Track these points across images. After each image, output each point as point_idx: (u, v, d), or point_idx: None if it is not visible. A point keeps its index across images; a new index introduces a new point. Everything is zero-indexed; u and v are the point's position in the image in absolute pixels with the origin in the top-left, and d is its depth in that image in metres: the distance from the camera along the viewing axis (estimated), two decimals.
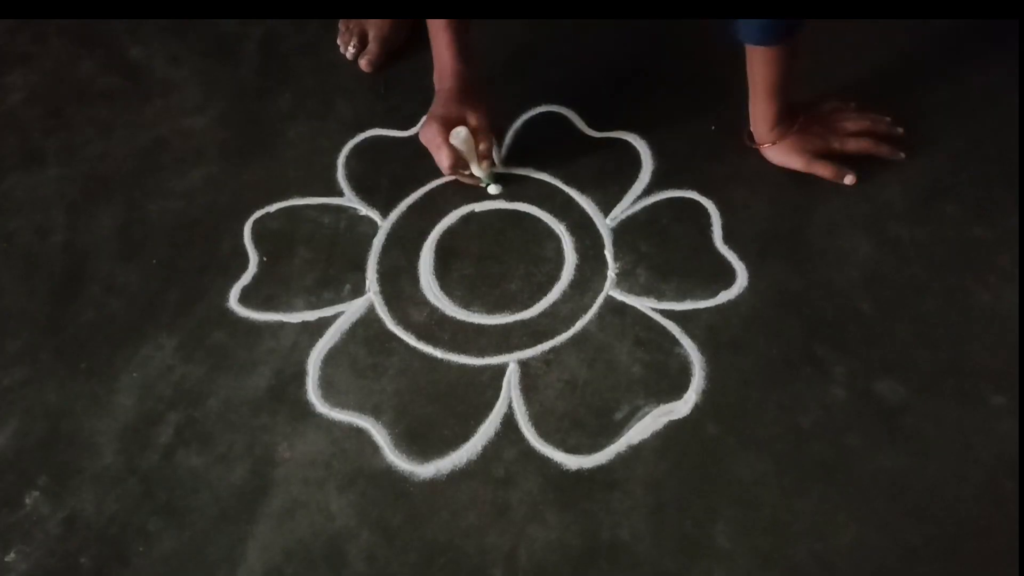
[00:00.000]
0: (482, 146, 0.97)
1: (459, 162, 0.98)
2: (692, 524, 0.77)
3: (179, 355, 0.92)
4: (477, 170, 0.99)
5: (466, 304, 0.94)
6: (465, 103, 0.97)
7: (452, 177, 1.02)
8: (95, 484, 0.84)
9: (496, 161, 1.03)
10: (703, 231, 0.97)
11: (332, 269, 0.98)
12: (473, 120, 0.96)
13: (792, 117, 0.98)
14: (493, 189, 1.01)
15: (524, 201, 1.02)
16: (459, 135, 0.95)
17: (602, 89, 1.13)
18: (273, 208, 1.04)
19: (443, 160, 0.97)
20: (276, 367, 0.90)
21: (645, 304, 0.92)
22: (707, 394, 0.85)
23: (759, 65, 0.94)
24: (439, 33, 0.98)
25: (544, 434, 0.84)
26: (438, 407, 0.86)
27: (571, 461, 0.82)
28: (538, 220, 1.00)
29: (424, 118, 1.00)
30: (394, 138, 1.10)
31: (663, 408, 0.84)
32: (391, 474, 0.82)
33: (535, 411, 0.85)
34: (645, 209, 1.00)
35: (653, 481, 0.80)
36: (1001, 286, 0.90)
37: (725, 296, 0.92)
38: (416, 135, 1.09)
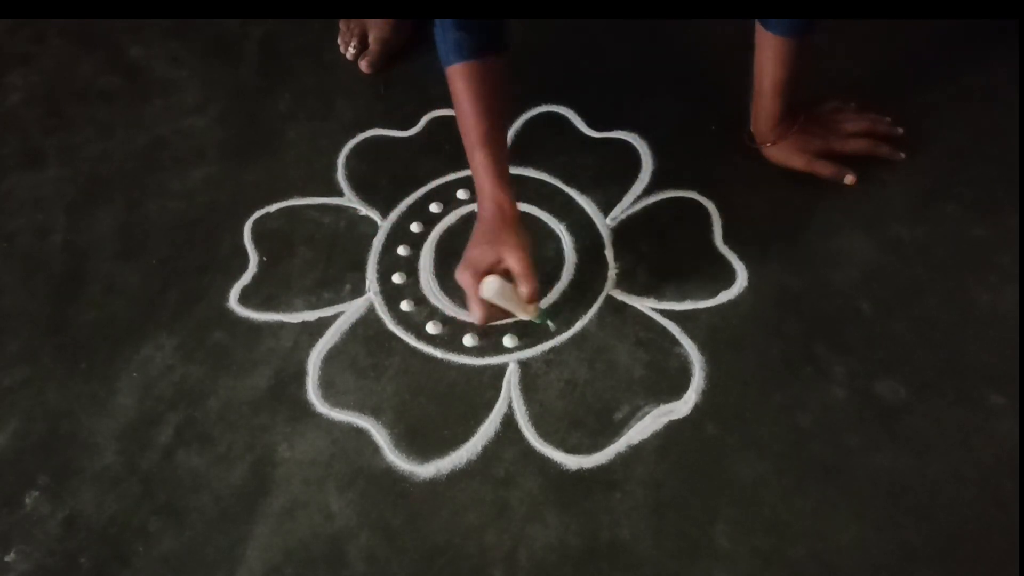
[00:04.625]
0: (523, 291, 0.83)
1: (495, 314, 0.85)
2: (692, 524, 0.77)
3: (179, 355, 0.92)
4: (523, 315, 0.87)
5: (466, 304, 0.94)
6: (499, 241, 0.84)
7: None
8: (95, 484, 0.84)
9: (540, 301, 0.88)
10: (703, 231, 0.97)
11: (332, 269, 0.98)
12: (511, 262, 0.83)
13: (793, 117, 0.99)
14: (541, 318, 0.88)
15: (524, 201, 1.02)
16: (491, 288, 0.82)
17: (602, 89, 1.13)
18: (273, 208, 1.04)
19: (474, 315, 0.85)
20: (276, 367, 0.90)
21: (645, 304, 0.92)
22: (707, 394, 0.85)
23: (770, 60, 0.94)
24: (474, 153, 0.87)
25: (544, 434, 0.84)
26: (438, 407, 0.86)
27: (571, 461, 0.82)
28: (538, 220, 1.00)
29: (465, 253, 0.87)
30: (394, 138, 1.10)
31: (663, 408, 0.84)
32: (391, 474, 0.82)
33: (535, 411, 0.85)
34: (645, 209, 1.00)
35: (653, 481, 0.80)
36: (1001, 286, 0.90)
37: (725, 296, 0.92)
38: (416, 136, 1.10)
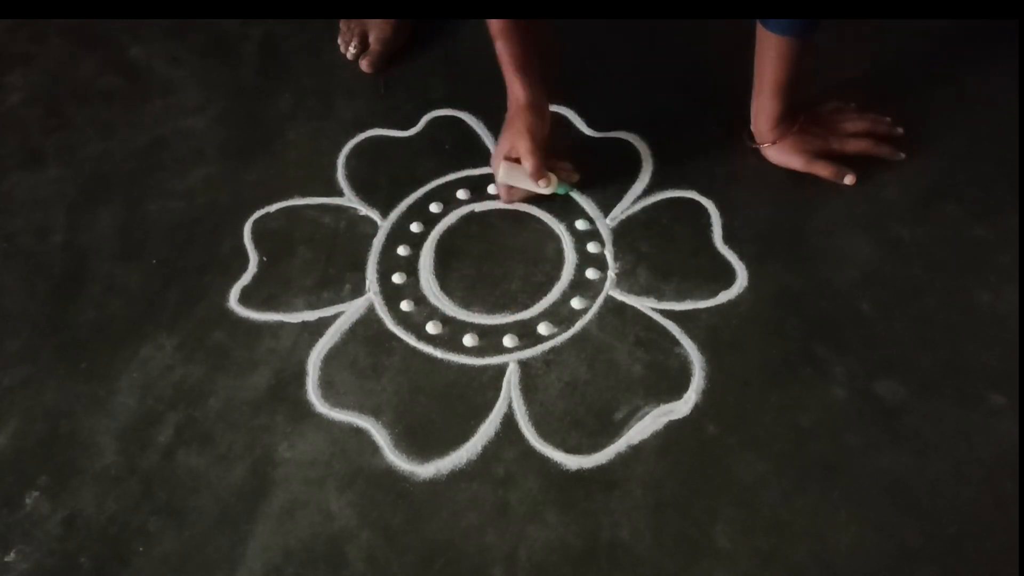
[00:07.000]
0: (527, 166, 0.95)
1: (514, 193, 1.00)
2: (692, 524, 0.77)
3: (179, 355, 0.92)
4: (540, 191, 0.99)
5: (466, 304, 0.94)
6: (511, 128, 0.96)
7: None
8: (95, 484, 0.84)
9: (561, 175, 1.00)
10: (703, 231, 0.97)
11: (332, 269, 0.98)
12: (518, 145, 0.95)
13: (793, 117, 0.99)
14: (560, 189, 1.00)
15: (524, 201, 1.02)
16: (500, 172, 0.97)
17: (602, 89, 1.13)
18: (273, 208, 1.04)
19: (500, 197, 1.01)
20: (276, 367, 0.90)
21: (645, 304, 0.92)
22: (707, 394, 0.85)
23: (771, 60, 0.94)
24: (501, 53, 0.96)
25: (544, 434, 0.84)
26: (438, 407, 0.86)
27: (571, 461, 0.82)
28: (538, 220, 1.00)
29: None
30: (394, 138, 1.10)
31: (663, 408, 0.84)
32: (391, 474, 0.82)
33: (535, 411, 0.85)
34: (645, 209, 1.00)
35: (653, 481, 0.80)
36: (1001, 286, 0.90)
37: (725, 296, 0.92)
38: (416, 136, 1.10)
